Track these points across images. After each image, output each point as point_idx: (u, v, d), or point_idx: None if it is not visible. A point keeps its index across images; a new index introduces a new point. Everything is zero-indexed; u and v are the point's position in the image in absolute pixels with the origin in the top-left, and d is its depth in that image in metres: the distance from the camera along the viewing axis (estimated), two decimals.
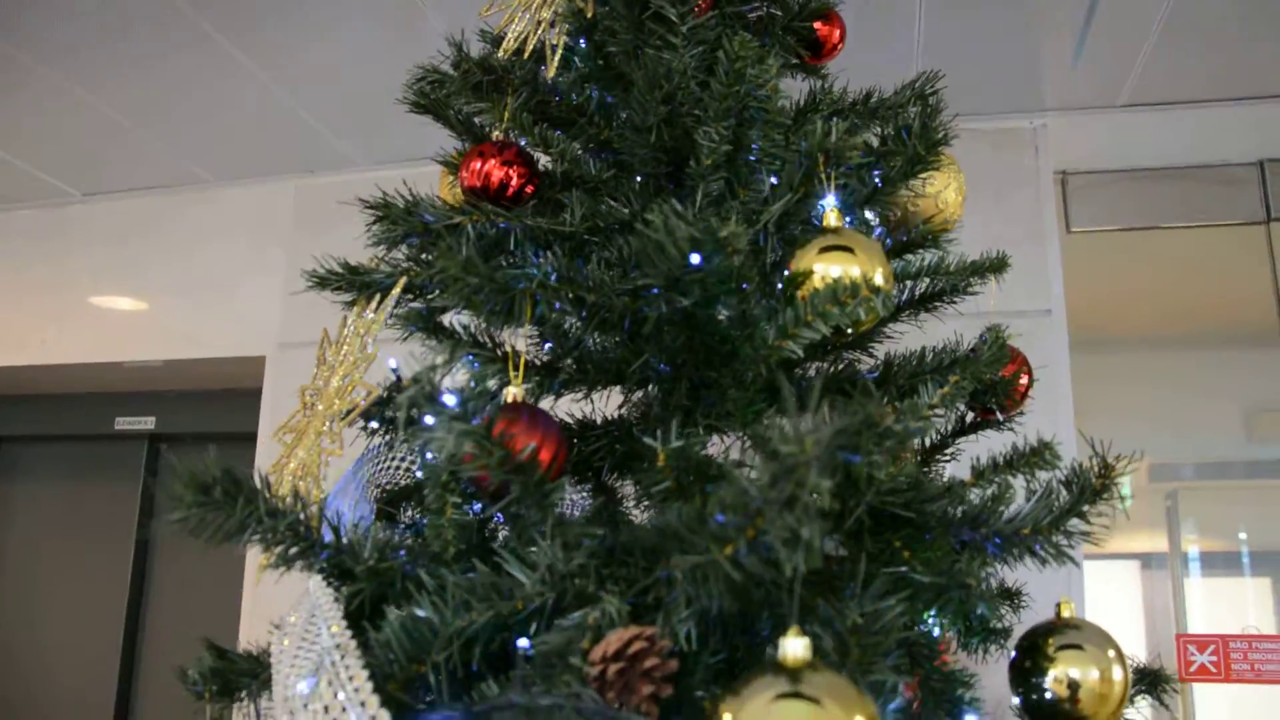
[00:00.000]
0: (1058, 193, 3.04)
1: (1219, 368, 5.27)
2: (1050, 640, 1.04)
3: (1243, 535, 7.20)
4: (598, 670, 0.82)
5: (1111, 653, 1.04)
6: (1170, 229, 3.27)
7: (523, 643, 0.87)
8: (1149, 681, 1.26)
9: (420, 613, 0.89)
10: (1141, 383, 5.40)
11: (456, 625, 0.88)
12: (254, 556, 2.95)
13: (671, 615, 0.85)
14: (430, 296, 1.26)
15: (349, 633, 0.90)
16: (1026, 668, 1.05)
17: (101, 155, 3.18)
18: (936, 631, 1.22)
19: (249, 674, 1.16)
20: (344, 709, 0.85)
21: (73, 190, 3.41)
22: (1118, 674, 1.03)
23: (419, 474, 1.37)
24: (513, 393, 1.00)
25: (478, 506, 1.09)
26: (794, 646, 0.69)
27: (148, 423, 3.56)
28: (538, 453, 0.93)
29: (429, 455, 1.13)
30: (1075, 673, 1.02)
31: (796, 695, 0.66)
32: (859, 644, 0.84)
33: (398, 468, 1.40)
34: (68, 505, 3.74)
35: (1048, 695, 1.03)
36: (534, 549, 0.91)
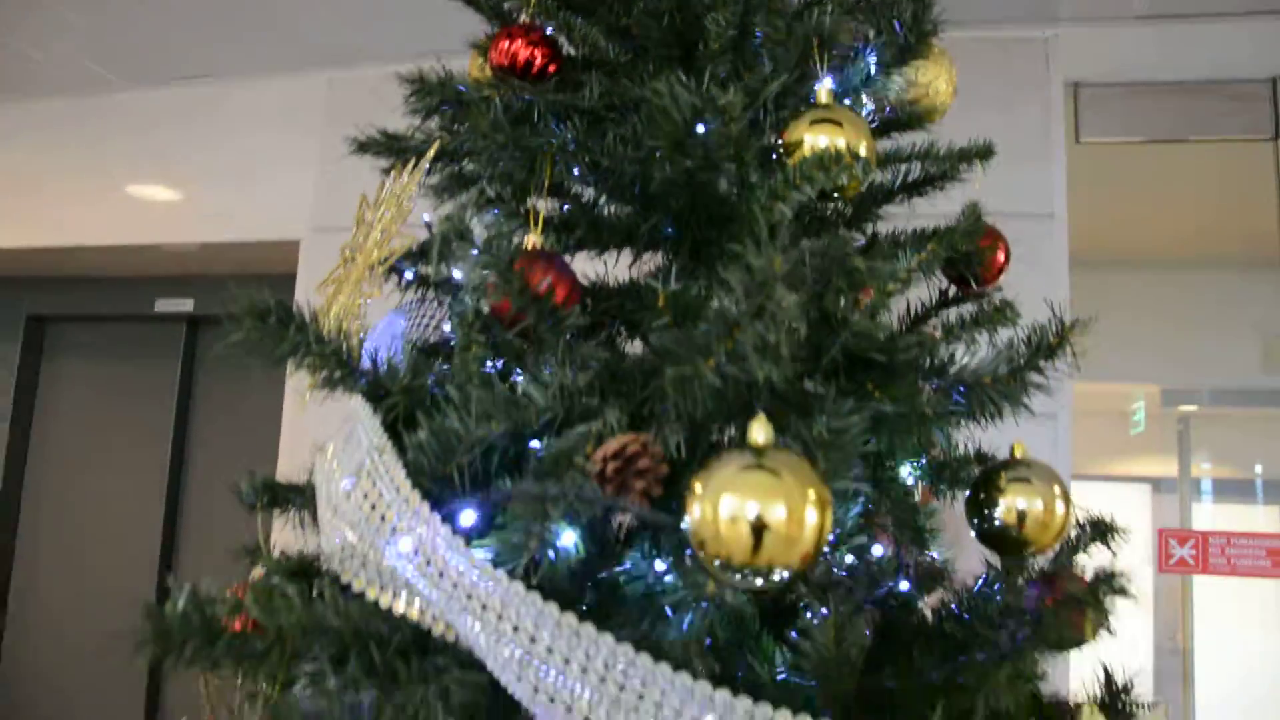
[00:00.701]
0: (1068, 103, 3.11)
1: (1236, 292, 5.28)
2: (1002, 475, 1.18)
3: (1259, 467, 7.24)
4: (599, 468, 0.96)
5: (1056, 489, 1.17)
6: (1180, 143, 3.32)
7: (535, 444, 1.01)
8: (1099, 530, 1.39)
9: (448, 422, 1.03)
10: (1155, 305, 5.42)
11: (479, 433, 1.03)
12: (287, 444, 3.12)
13: (663, 426, 0.99)
14: (461, 161, 1.39)
15: (386, 436, 1.04)
16: (981, 499, 1.18)
17: (139, 44, 3.29)
18: (912, 480, 1.36)
19: (295, 491, 1.32)
20: (381, 495, 0.99)
21: (112, 77, 3.52)
22: (1060, 508, 1.17)
23: (446, 330, 1.51)
24: (532, 240, 1.13)
25: (500, 363, 1.22)
26: (759, 430, 0.83)
27: (186, 304, 3.71)
28: (553, 287, 1.06)
29: (457, 307, 1.27)
30: (1022, 503, 1.16)
31: (759, 467, 0.80)
32: (825, 456, 0.98)
33: (428, 324, 1.53)
34: (109, 384, 3.91)
35: (997, 523, 1.16)
36: (547, 371, 1.04)
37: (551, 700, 0.89)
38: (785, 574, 0.80)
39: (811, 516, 0.80)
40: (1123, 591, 1.16)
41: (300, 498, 1.31)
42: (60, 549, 3.85)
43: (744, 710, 0.86)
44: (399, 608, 1.01)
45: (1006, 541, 1.16)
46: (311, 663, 0.93)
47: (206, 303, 3.69)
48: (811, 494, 0.81)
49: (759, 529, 0.78)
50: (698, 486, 0.82)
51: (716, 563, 0.81)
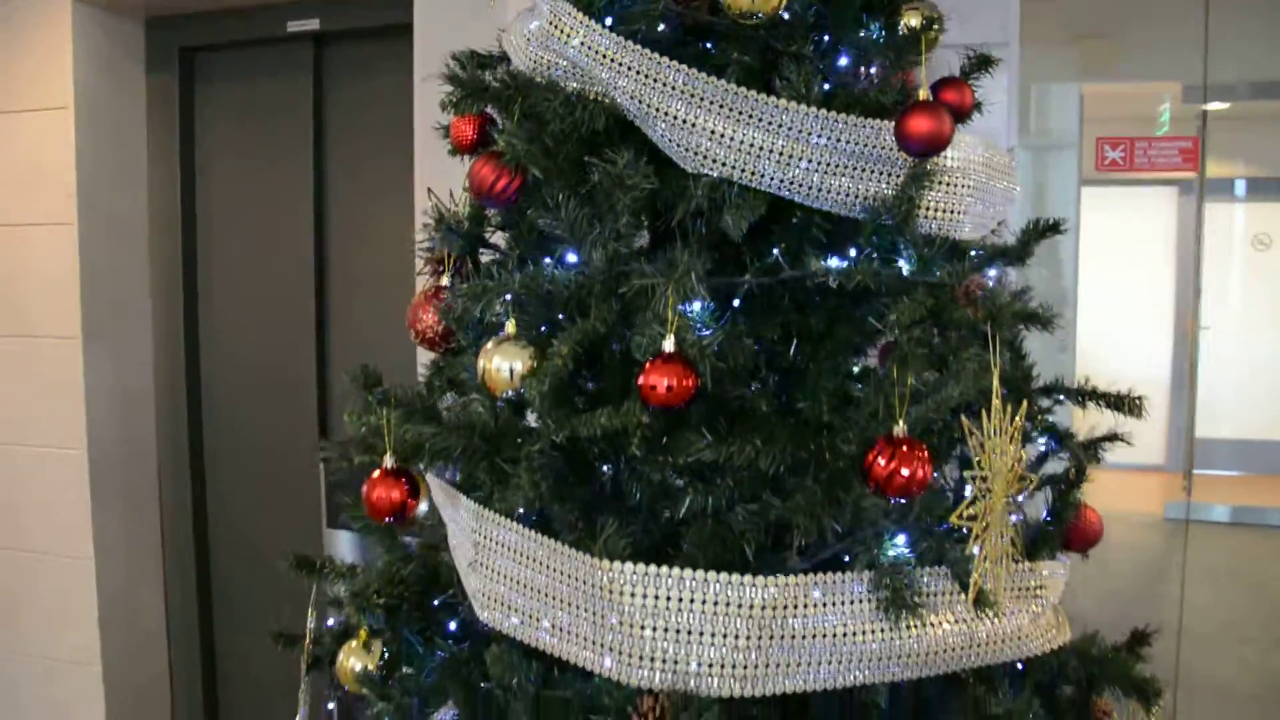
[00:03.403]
0: None
1: None
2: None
3: None
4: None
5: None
6: None
7: None
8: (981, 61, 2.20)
9: None
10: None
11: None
12: (422, 150, 3.78)
13: None
14: None
15: None
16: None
17: None
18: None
19: (494, 59, 2.19)
20: (562, 20, 1.86)
21: None
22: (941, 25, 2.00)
23: None
24: None
25: None
26: None
27: (313, 23, 4.39)
28: None
29: None
30: (914, 22, 1.98)
31: None
32: None
33: None
34: (252, 101, 4.67)
35: (901, 33, 2.00)
36: None
37: (656, 110, 1.78)
38: (767, 13, 1.67)
39: None
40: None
41: (494, 63, 2.17)
42: (231, 244, 4.74)
43: (758, 98, 1.74)
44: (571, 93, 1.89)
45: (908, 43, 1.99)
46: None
47: (332, 20, 4.39)
48: None
49: None
50: None
51: (738, 11, 1.68)
